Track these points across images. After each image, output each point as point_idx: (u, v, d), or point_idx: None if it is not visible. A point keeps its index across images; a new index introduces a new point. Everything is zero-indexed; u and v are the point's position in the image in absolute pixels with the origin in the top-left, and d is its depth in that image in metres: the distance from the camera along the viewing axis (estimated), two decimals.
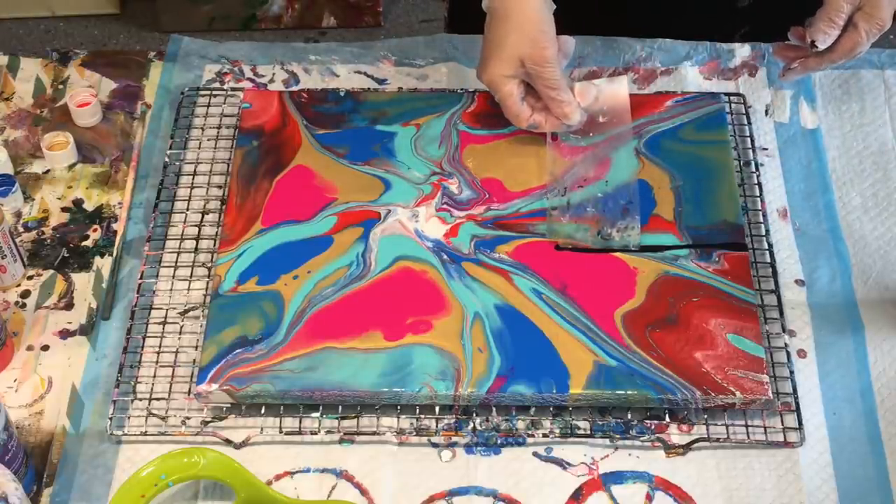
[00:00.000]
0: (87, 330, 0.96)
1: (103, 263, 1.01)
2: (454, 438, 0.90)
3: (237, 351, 0.91)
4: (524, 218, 0.99)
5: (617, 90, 1.04)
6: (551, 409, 0.91)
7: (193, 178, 1.06)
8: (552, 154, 1.02)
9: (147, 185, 1.06)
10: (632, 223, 0.97)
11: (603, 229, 0.97)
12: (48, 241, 1.03)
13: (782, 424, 0.91)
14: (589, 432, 0.90)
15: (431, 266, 0.96)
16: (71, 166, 1.08)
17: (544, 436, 0.90)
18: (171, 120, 1.10)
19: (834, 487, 0.88)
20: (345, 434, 0.90)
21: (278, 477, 0.88)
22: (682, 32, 1.16)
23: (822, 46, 1.00)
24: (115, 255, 1.01)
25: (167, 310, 0.97)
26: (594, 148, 1.02)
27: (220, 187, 1.05)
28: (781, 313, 0.96)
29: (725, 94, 1.10)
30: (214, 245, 1.00)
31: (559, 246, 0.97)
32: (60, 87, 1.15)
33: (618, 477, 0.88)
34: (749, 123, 1.09)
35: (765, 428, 0.90)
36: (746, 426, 0.90)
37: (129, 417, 0.91)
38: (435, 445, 0.90)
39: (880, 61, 1.16)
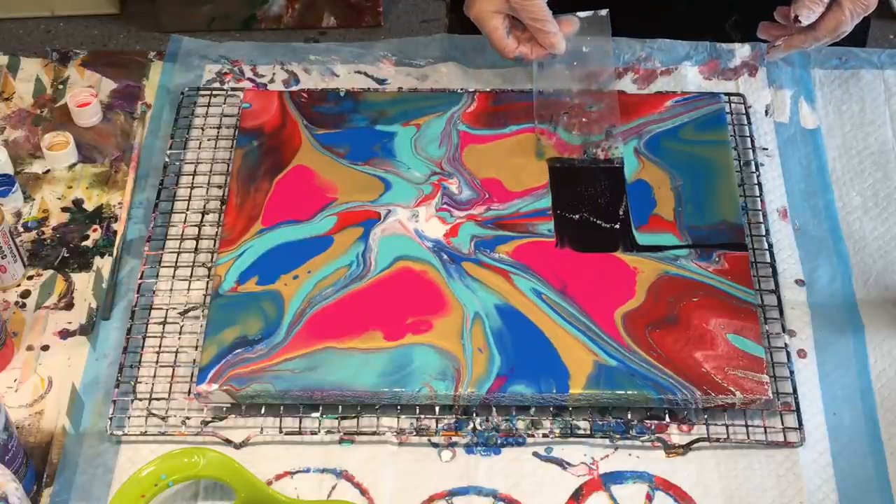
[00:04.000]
0: (87, 330, 0.96)
1: (103, 263, 1.01)
2: (454, 438, 0.90)
3: (237, 351, 0.91)
4: (524, 218, 0.99)
5: (598, 20, 1.06)
6: (551, 409, 0.91)
7: (193, 178, 1.06)
8: (540, 82, 1.06)
9: (147, 185, 1.06)
10: (615, 143, 1.03)
11: (588, 150, 1.03)
12: (48, 241, 1.03)
13: (782, 424, 0.91)
14: (589, 432, 0.90)
15: (431, 266, 0.96)
16: (71, 166, 1.08)
17: (544, 436, 0.90)
18: (171, 120, 1.10)
19: (834, 487, 0.88)
20: (345, 434, 0.90)
21: (278, 477, 0.88)
22: (671, 20, 1.16)
23: (805, 22, 1.01)
24: (115, 255, 1.01)
25: (167, 310, 0.97)
26: (579, 76, 1.06)
27: (220, 187, 1.05)
28: (781, 313, 0.96)
29: (725, 94, 1.10)
30: (214, 245, 1.00)
31: (549, 162, 1.03)
32: (60, 87, 1.15)
33: (618, 477, 0.88)
34: (749, 123, 1.09)
35: (765, 428, 0.90)
36: (746, 426, 0.90)
37: (129, 417, 0.91)
38: (435, 445, 0.90)
39: (880, 61, 1.15)
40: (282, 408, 0.91)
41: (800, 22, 1.00)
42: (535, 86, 1.06)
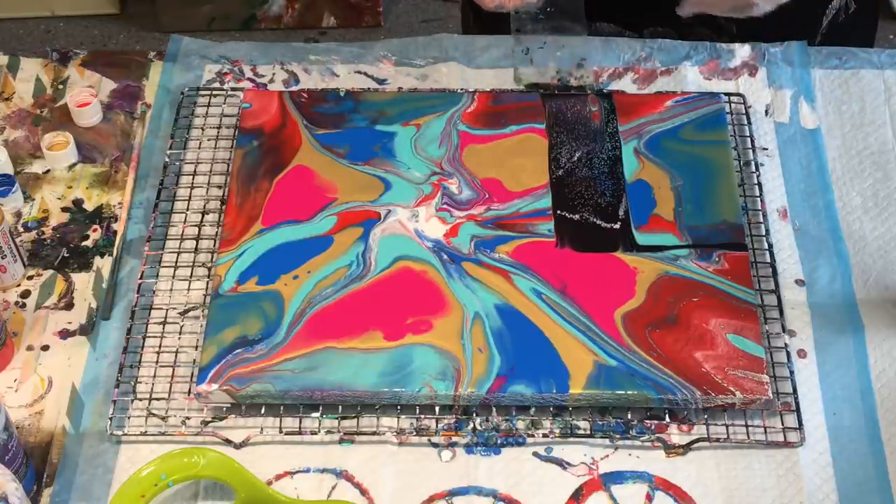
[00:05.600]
0: (87, 330, 0.96)
1: (103, 263, 1.01)
2: (454, 438, 0.90)
3: (237, 351, 0.91)
4: (524, 218, 0.99)
5: None
6: (551, 409, 0.91)
7: (193, 178, 1.06)
8: (517, 28, 1.09)
9: (147, 185, 1.06)
10: (586, 73, 1.10)
11: (563, 77, 1.10)
12: (48, 241, 1.03)
13: (782, 424, 0.91)
14: (589, 432, 0.90)
15: (431, 266, 0.96)
16: (71, 166, 1.08)
17: (544, 436, 0.90)
18: (171, 120, 1.10)
19: (834, 487, 0.88)
20: (345, 434, 0.90)
21: (278, 477, 0.88)
22: (666, 12, 1.16)
23: None
24: (115, 255, 1.01)
25: (167, 310, 0.97)
26: (553, 20, 1.09)
27: (220, 187, 1.05)
28: (781, 313, 0.96)
29: (725, 94, 1.10)
30: (214, 245, 1.00)
31: (527, 87, 1.10)
32: (60, 87, 1.15)
33: (618, 477, 0.88)
34: (749, 123, 1.09)
35: (765, 428, 0.90)
36: (746, 426, 0.90)
37: (129, 417, 0.91)
38: (435, 445, 0.90)
39: (880, 61, 1.15)
40: (282, 408, 0.91)
41: None
42: (513, 30, 1.09)
